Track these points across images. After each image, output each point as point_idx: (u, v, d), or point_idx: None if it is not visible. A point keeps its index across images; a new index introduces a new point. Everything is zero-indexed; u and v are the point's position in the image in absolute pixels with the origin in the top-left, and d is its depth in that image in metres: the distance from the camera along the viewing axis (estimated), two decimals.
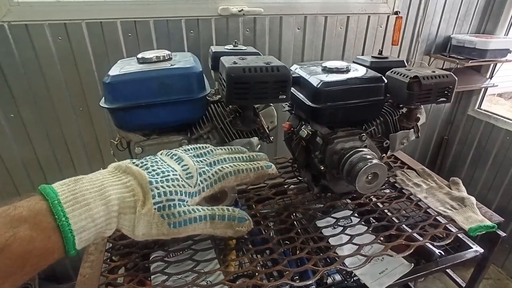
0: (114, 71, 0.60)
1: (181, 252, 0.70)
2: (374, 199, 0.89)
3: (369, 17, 1.59)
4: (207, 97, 0.70)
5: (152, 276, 0.67)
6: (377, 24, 1.63)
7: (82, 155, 1.37)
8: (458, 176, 0.90)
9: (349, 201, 0.89)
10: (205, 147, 0.43)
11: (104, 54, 1.23)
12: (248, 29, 1.38)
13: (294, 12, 1.43)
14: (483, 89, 1.97)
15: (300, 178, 0.94)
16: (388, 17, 1.63)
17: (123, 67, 0.62)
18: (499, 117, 1.89)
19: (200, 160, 0.40)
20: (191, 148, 0.42)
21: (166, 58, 0.66)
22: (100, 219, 0.33)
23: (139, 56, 0.66)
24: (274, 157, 1.11)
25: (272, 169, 0.42)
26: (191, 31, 1.30)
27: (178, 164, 0.39)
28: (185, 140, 0.65)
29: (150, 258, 0.71)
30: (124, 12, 1.19)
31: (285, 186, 0.93)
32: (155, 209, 0.35)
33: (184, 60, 0.66)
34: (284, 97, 0.64)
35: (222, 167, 0.40)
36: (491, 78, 1.94)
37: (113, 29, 1.20)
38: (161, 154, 0.41)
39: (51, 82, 1.21)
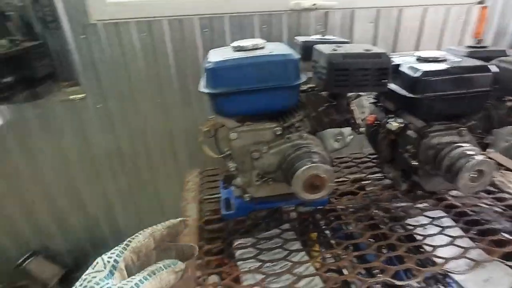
0: (215, 57, 0.62)
1: (268, 240, 0.70)
2: (466, 201, 0.82)
3: (448, 8, 1.47)
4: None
5: (239, 262, 0.68)
6: (457, 16, 1.50)
7: (157, 146, 1.44)
8: None
9: (437, 201, 0.82)
10: None
11: (182, 49, 1.29)
12: (320, 24, 1.35)
13: (367, 5, 1.38)
14: None
15: (383, 174, 0.89)
16: (471, 7, 1.49)
17: (223, 54, 0.63)
18: None
19: None
20: None
21: (261, 46, 0.67)
22: None
23: (235, 44, 0.67)
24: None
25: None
26: (264, 26, 1.31)
27: None
28: (278, 127, 0.65)
29: (235, 245, 0.72)
30: (202, 8, 1.24)
31: (367, 181, 0.89)
32: None
33: (279, 48, 0.66)
34: (385, 84, 0.62)
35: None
36: None
37: (191, 25, 1.25)
38: None
39: (133, 75, 1.29)
